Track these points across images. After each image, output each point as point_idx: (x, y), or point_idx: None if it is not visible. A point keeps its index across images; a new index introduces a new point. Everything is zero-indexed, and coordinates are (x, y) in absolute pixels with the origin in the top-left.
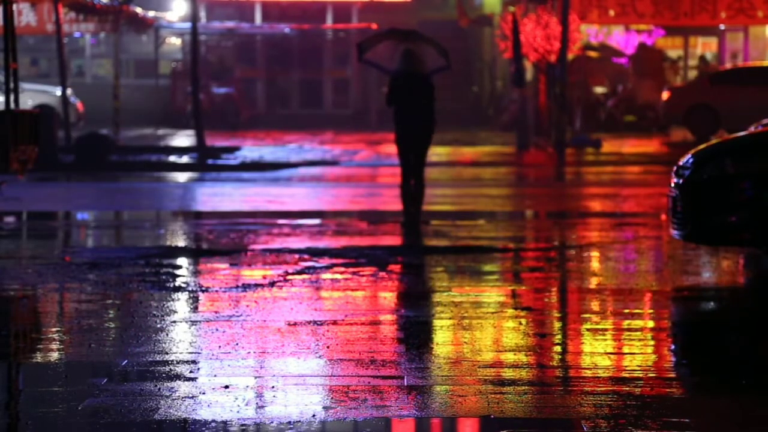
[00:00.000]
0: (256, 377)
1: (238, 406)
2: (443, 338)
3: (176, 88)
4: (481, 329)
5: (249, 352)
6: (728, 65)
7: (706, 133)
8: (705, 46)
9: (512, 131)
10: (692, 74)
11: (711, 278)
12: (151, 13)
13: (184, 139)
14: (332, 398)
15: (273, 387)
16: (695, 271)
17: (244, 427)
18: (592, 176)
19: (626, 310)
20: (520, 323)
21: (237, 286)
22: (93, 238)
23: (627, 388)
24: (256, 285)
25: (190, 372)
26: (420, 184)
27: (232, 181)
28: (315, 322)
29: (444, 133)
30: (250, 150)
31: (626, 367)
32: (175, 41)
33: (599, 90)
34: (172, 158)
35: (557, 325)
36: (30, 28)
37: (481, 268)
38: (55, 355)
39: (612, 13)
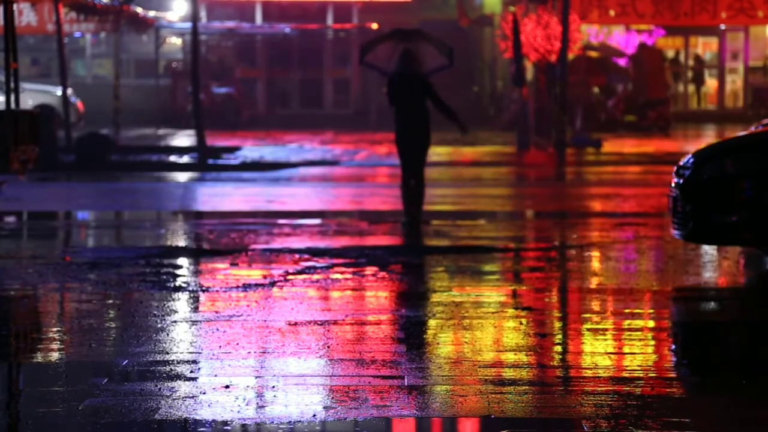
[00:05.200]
0: (256, 377)
1: (239, 406)
2: (444, 338)
3: (176, 88)
4: (482, 329)
5: (249, 352)
6: None
7: None
8: (705, 46)
9: (513, 131)
10: (690, 74)
11: (711, 278)
12: (151, 13)
13: (184, 138)
14: (333, 398)
15: (273, 387)
16: (695, 271)
17: (244, 427)
18: (593, 176)
19: (626, 310)
20: (521, 323)
21: (237, 286)
22: (93, 238)
23: (627, 388)
24: (257, 285)
25: (191, 372)
26: (420, 184)
27: (233, 181)
28: (315, 322)
29: (444, 132)
30: (251, 150)
31: (627, 367)
32: (175, 41)
33: (599, 90)
34: (173, 158)
35: (558, 325)
36: (30, 28)
37: (481, 268)
38: (55, 355)
39: (612, 13)
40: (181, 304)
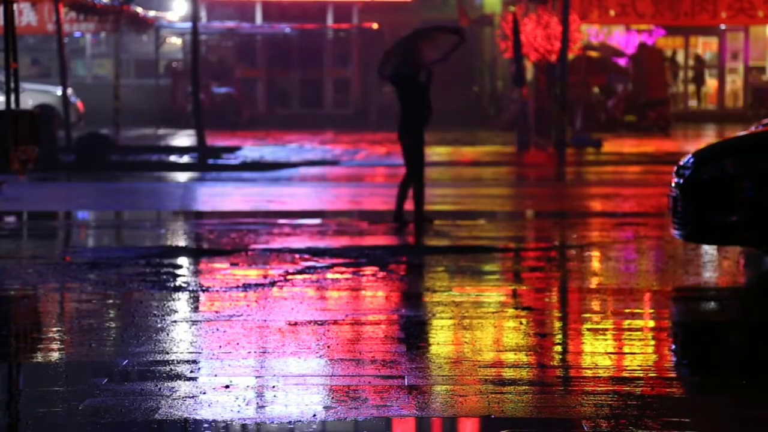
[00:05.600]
0: (256, 377)
1: (239, 405)
2: (444, 338)
3: (176, 88)
4: (482, 329)
5: (249, 352)
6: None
7: None
8: (705, 46)
9: (513, 131)
10: (690, 74)
11: (711, 278)
12: (151, 13)
13: (184, 138)
14: (333, 398)
15: (273, 387)
16: (695, 271)
17: (244, 427)
18: (593, 176)
19: (626, 310)
20: (521, 323)
21: (237, 286)
22: (93, 238)
23: (627, 388)
24: (257, 285)
25: (191, 372)
26: (411, 183)
27: (233, 181)
28: (315, 322)
29: (445, 132)
30: (251, 150)
31: (627, 366)
32: (175, 41)
33: (599, 90)
34: (173, 158)
35: (558, 324)
36: (30, 28)
37: (481, 267)
38: (55, 355)
39: (612, 13)
40: (181, 304)
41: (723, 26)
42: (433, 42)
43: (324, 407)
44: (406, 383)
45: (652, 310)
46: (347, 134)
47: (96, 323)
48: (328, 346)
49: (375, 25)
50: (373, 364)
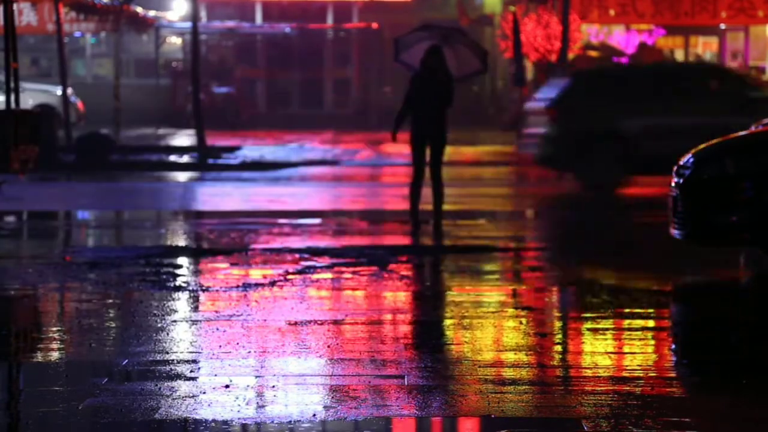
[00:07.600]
0: (256, 377)
1: (239, 405)
2: (444, 338)
3: (176, 88)
4: (482, 329)
5: (249, 352)
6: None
7: None
8: (705, 46)
9: (513, 131)
10: None
11: (711, 278)
12: (151, 13)
13: (184, 138)
14: (333, 398)
15: (273, 386)
16: (695, 271)
17: (244, 427)
18: None
19: (626, 310)
20: (521, 323)
21: (237, 286)
22: (93, 238)
23: (627, 388)
24: (257, 284)
25: (191, 371)
26: (439, 184)
27: (233, 181)
28: (315, 322)
29: None
30: (251, 149)
31: (626, 366)
32: (175, 41)
33: None
34: (173, 158)
35: (557, 324)
36: (30, 28)
37: (481, 267)
38: (55, 355)
39: (612, 12)
40: (181, 303)
41: (723, 26)
42: (455, 53)
43: (324, 407)
44: (406, 383)
45: (652, 310)
46: (347, 134)
47: (96, 323)
48: (328, 346)
49: (375, 25)
50: (373, 364)
